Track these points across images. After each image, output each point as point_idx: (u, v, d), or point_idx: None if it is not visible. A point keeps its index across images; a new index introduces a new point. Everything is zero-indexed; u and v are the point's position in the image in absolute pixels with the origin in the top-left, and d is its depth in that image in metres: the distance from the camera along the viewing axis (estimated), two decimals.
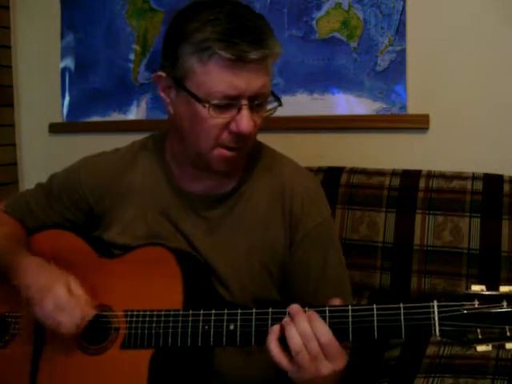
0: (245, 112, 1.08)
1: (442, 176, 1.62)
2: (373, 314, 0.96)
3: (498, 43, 1.70)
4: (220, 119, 1.09)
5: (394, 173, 1.67)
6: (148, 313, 1.10)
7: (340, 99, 1.91)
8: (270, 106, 1.15)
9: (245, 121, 1.08)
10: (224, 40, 1.04)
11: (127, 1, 2.22)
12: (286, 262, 1.21)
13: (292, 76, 1.95)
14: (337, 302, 1.01)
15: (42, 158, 2.45)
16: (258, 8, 1.96)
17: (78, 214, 1.32)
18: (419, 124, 1.81)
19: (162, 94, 1.17)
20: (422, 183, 1.62)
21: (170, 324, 1.08)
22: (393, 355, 1.45)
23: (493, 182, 1.57)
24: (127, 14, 2.22)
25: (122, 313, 1.13)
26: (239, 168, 1.23)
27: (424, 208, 1.59)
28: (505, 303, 0.89)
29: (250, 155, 1.24)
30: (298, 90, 1.95)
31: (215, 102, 1.07)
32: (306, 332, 0.96)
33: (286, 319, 0.99)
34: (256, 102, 1.10)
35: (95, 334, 1.14)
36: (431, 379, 1.26)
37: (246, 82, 1.06)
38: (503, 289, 0.91)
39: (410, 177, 1.65)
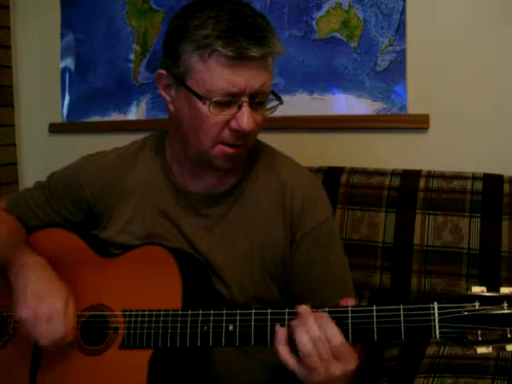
0: (245, 109, 1.08)
1: (442, 176, 1.62)
2: (372, 316, 0.96)
3: (497, 43, 1.70)
4: (220, 116, 1.09)
5: (394, 173, 1.67)
6: (147, 313, 1.10)
7: (340, 99, 1.90)
8: (271, 105, 1.15)
9: (245, 118, 1.08)
10: (225, 37, 1.04)
11: (127, 1, 2.22)
12: (287, 262, 1.21)
13: (292, 76, 1.95)
14: (350, 302, 1.00)
15: (41, 157, 2.45)
16: (258, 8, 1.96)
17: (77, 213, 1.32)
18: (419, 124, 1.80)
19: (163, 93, 1.17)
20: (421, 183, 1.62)
21: (169, 324, 1.08)
22: (393, 355, 1.44)
23: (493, 181, 1.57)
24: (127, 14, 2.22)
25: (120, 312, 1.13)
26: (240, 166, 1.23)
27: (424, 208, 1.59)
28: (505, 305, 0.89)
29: (250, 154, 1.24)
30: (298, 89, 1.95)
31: (216, 99, 1.07)
32: (316, 334, 0.95)
33: (295, 321, 0.98)
34: (257, 99, 1.10)
35: (94, 333, 1.14)
36: (431, 379, 1.26)
37: (246, 79, 1.06)
38: (504, 290, 0.91)
39: (410, 177, 1.65)
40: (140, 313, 1.11)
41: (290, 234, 1.21)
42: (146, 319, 1.10)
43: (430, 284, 1.56)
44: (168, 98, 1.16)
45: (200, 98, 1.08)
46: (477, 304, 0.90)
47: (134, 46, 2.22)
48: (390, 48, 1.81)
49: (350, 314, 0.97)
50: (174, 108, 1.16)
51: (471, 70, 1.73)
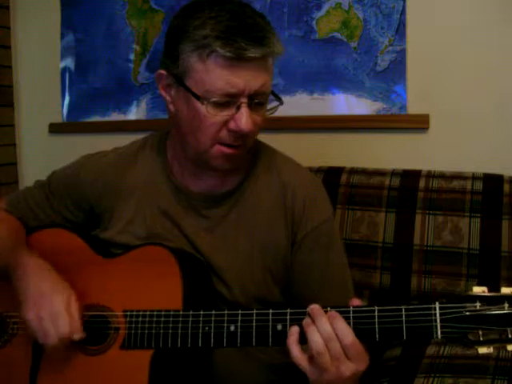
0: (244, 110, 1.08)
1: (442, 176, 1.62)
2: (374, 316, 0.96)
3: (497, 43, 1.70)
4: (219, 117, 1.09)
5: (394, 173, 1.67)
6: (148, 313, 1.10)
7: (340, 99, 1.91)
8: (271, 105, 1.15)
9: (243, 119, 1.08)
10: (223, 38, 1.04)
11: (127, 1, 2.22)
12: (288, 262, 1.21)
13: (292, 76, 1.95)
14: (356, 302, 1.00)
15: (41, 157, 2.45)
16: (258, 8, 1.96)
17: (78, 213, 1.32)
18: (419, 124, 1.81)
19: (163, 93, 1.17)
20: (421, 183, 1.62)
21: (171, 325, 1.08)
22: (393, 355, 1.44)
23: (493, 181, 1.57)
24: (127, 14, 2.22)
25: (121, 313, 1.13)
26: (241, 167, 1.22)
27: (424, 208, 1.59)
28: (506, 305, 0.89)
29: (250, 154, 1.24)
30: (298, 89, 1.95)
31: (214, 99, 1.07)
32: (328, 333, 0.94)
33: (307, 320, 0.98)
34: (256, 100, 1.10)
35: (95, 334, 1.14)
36: (431, 379, 1.26)
37: (245, 80, 1.06)
38: (505, 290, 0.91)
39: (409, 177, 1.65)
40: (141, 313, 1.11)
41: (292, 235, 1.21)
42: (146, 319, 1.10)
43: (429, 284, 1.56)
44: (168, 98, 1.16)
45: (198, 98, 1.08)
46: (478, 304, 0.90)
47: (134, 45, 2.22)
48: (390, 48, 1.81)
49: (351, 314, 0.97)
50: (174, 108, 1.16)
51: (471, 70, 1.73)
